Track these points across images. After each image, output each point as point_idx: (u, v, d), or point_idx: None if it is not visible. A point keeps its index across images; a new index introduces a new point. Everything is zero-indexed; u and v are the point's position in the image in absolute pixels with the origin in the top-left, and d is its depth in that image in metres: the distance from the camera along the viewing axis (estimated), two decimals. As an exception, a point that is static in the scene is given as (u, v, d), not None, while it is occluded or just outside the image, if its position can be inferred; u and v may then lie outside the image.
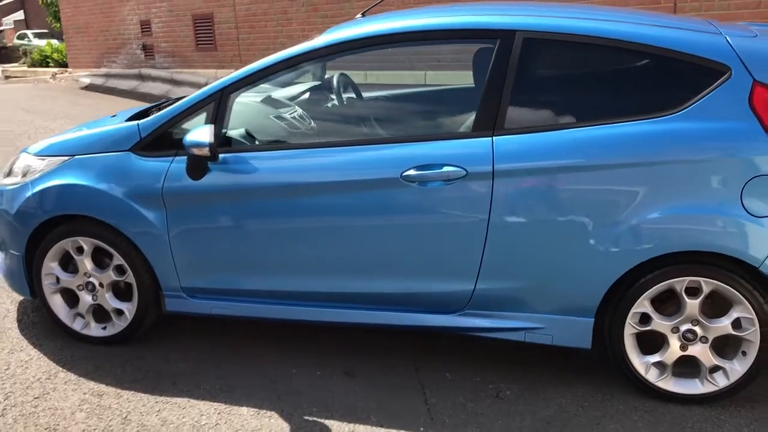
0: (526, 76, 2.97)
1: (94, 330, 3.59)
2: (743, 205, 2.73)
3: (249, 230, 3.22)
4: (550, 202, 2.89)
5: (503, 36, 2.97)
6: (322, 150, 3.14)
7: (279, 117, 3.74)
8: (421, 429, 2.85)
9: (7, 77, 20.73)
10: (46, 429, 2.88)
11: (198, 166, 3.19)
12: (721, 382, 2.94)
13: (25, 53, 24.60)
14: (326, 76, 4.27)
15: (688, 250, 2.80)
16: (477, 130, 2.97)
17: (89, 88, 15.56)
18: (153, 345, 3.58)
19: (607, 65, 2.97)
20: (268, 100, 3.89)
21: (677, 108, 2.80)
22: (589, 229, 2.85)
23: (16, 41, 29.91)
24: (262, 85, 3.41)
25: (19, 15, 36.27)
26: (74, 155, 3.46)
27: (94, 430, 2.87)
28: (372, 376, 3.26)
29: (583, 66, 3.01)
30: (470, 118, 3.04)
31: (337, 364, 3.36)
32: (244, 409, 3.00)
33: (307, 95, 4.21)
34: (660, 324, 2.93)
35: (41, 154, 3.61)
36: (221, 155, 3.17)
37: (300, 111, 3.87)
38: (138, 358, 3.45)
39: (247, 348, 3.53)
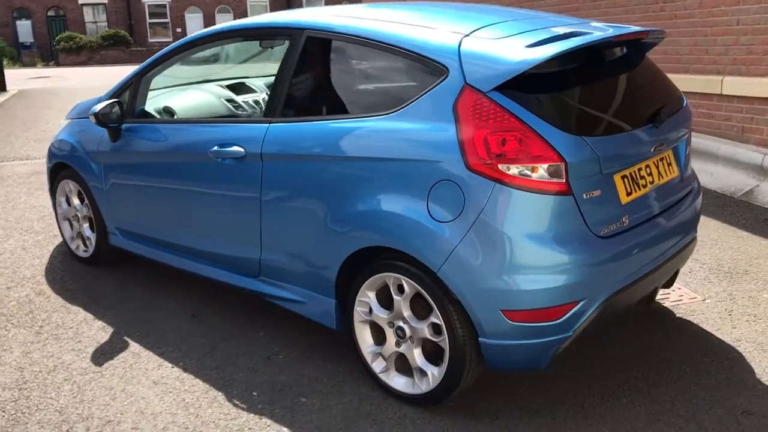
0: (303, 70, 3.25)
1: (81, 251, 4.71)
2: (428, 209, 2.71)
3: (136, 185, 4.03)
4: (294, 185, 3.16)
5: (294, 34, 3.29)
6: (172, 125, 3.80)
7: (173, 98, 4.46)
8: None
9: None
10: None
11: (113, 132, 4.07)
12: (423, 386, 2.91)
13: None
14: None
15: (381, 245, 2.86)
16: (265, 116, 3.35)
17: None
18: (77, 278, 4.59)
19: (356, 63, 3.12)
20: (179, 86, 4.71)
21: (397, 107, 2.85)
22: (319, 215, 3.06)
23: None
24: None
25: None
26: (72, 119, 4.62)
27: None
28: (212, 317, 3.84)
29: (340, 63, 3.19)
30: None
31: (188, 307, 3.99)
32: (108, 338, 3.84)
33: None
34: (378, 316, 3.00)
35: (66, 117, 4.85)
36: (128, 124, 4.01)
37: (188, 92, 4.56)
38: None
39: (131, 288, 4.32)
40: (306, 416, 2.93)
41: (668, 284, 3.34)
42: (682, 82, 6.90)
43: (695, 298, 3.96)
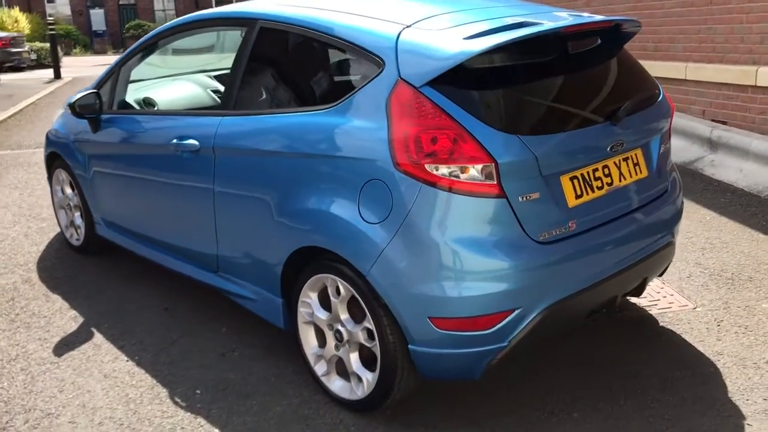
0: (255, 62, 3.16)
1: (74, 240, 4.77)
2: (359, 209, 2.58)
3: (113, 176, 4.03)
4: (241, 179, 3.09)
5: (249, 24, 3.20)
6: (144, 117, 3.78)
7: (159, 89, 4.42)
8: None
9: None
10: None
11: (92, 122, 4.09)
12: (359, 391, 2.80)
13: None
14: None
15: (318, 246, 2.75)
16: (221, 109, 3.29)
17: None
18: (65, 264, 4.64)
19: (304, 55, 3.00)
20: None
21: (337, 101, 2.73)
22: (265, 212, 2.97)
23: None
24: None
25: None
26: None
27: None
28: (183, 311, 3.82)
29: (288, 55, 3.08)
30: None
31: (162, 300, 3.98)
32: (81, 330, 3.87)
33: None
34: (318, 318, 2.90)
35: (64, 105, 4.90)
36: (107, 115, 4.01)
37: (176, 83, 4.50)
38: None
39: (112, 278, 4.33)
40: (241, 418, 2.86)
41: (637, 292, 3.12)
42: (717, 72, 6.52)
43: (686, 305, 3.70)
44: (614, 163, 2.79)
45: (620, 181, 2.80)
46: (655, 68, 7.48)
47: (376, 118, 2.55)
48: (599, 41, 2.96)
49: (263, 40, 3.13)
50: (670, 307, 3.68)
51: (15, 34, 23.17)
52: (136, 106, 4.11)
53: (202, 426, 2.82)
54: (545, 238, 2.52)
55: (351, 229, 2.60)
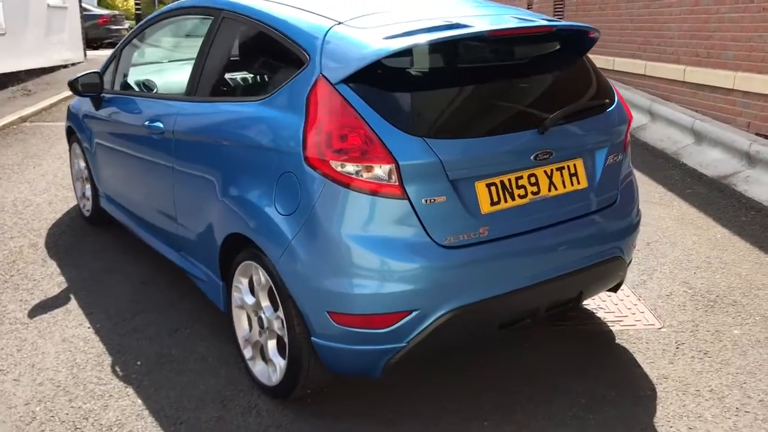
0: (215, 51, 3.26)
1: (85, 211, 5.04)
2: (275, 200, 2.64)
3: (108, 151, 4.24)
4: (190, 164, 3.20)
5: (215, 14, 3.30)
6: (131, 98, 3.95)
7: (160, 72, 4.57)
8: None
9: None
10: None
11: (94, 100, 4.31)
12: (274, 378, 2.86)
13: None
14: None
15: (243, 233, 2.82)
16: (186, 95, 3.40)
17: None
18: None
19: (251, 45, 3.07)
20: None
21: (270, 92, 2.79)
22: (207, 196, 3.07)
23: None
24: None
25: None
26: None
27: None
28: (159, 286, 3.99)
29: (240, 44, 3.15)
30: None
31: (144, 274, 4.16)
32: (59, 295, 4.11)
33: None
34: (246, 303, 2.98)
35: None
36: (107, 95, 4.22)
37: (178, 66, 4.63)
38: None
39: (108, 249, 4.54)
40: (166, 392, 2.98)
41: (573, 305, 3.03)
42: (764, 83, 6.17)
43: (652, 325, 3.56)
44: (544, 172, 2.72)
45: (550, 191, 2.73)
46: (704, 76, 7.16)
47: (297, 113, 2.60)
48: (548, 47, 2.88)
49: (223, 30, 3.22)
50: (635, 325, 3.56)
51: (115, 13, 24.35)
52: (136, 88, 4.29)
53: (128, 395, 2.96)
54: (451, 243, 2.50)
55: (266, 220, 2.66)
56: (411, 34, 2.53)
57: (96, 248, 4.59)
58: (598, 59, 10.50)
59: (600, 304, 3.77)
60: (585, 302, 3.75)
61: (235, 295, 3.04)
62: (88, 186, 4.89)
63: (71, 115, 4.94)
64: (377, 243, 2.44)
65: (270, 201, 2.65)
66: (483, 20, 2.74)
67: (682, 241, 4.75)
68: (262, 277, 2.80)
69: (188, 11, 3.68)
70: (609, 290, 3.28)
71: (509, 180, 2.63)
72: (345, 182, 2.43)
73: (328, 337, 2.56)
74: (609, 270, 3.01)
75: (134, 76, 4.21)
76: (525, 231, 2.67)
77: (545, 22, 2.78)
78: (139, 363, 3.21)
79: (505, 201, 2.61)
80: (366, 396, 2.92)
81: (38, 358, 3.25)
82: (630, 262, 3.21)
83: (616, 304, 3.77)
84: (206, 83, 3.26)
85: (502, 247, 2.60)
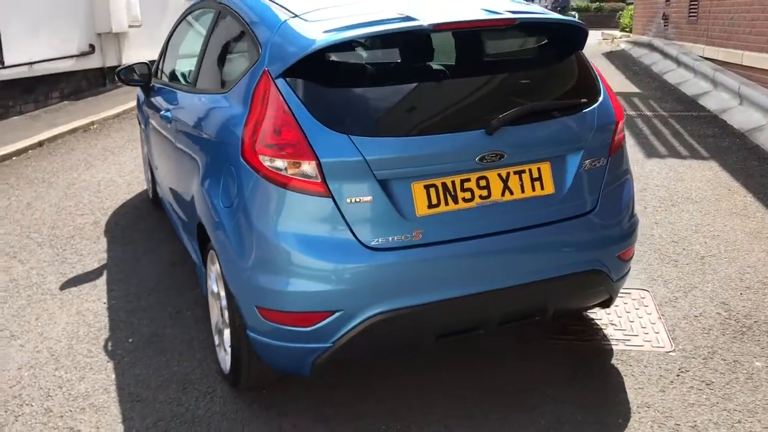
0: (210, 43, 3.36)
1: (151, 193, 5.37)
2: (220, 192, 2.69)
3: (150, 137, 4.49)
4: (181, 151, 3.33)
5: (216, 8, 3.40)
6: (165, 88, 4.14)
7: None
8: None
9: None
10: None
11: (144, 89, 4.58)
12: (226, 367, 2.91)
13: (620, 17, 25.42)
14: None
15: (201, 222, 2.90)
16: (188, 86, 3.54)
17: (612, 54, 16.18)
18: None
19: (231, 37, 3.12)
20: None
21: (231, 85, 2.84)
22: (188, 185, 3.18)
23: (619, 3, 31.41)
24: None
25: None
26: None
27: None
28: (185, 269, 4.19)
29: (225, 37, 3.21)
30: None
31: (177, 255, 4.37)
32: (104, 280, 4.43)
33: None
34: (212, 291, 3.05)
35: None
36: (155, 84, 4.47)
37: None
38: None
39: (155, 230, 4.77)
40: (141, 370, 3.13)
41: (540, 319, 2.81)
42: None
43: (661, 347, 3.24)
44: (498, 175, 2.55)
45: (504, 195, 2.56)
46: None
47: (245, 106, 2.62)
48: (524, 41, 2.69)
49: (218, 23, 3.31)
50: (642, 346, 3.25)
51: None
52: (167, 78, 4.48)
53: (105, 370, 3.14)
54: (379, 244, 2.42)
55: (212, 211, 2.72)
56: (352, 28, 2.46)
57: (148, 228, 4.88)
58: (724, 53, 9.62)
59: (613, 319, 3.48)
60: (595, 317, 3.49)
61: (208, 282, 3.12)
62: (150, 169, 5.20)
63: (138, 103, 5.28)
64: (301, 241, 2.41)
65: (217, 193, 2.70)
66: (440, 14, 2.60)
67: (744, 257, 4.26)
68: (217, 267, 2.86)
69: (203, 5, 3.82)
70: (599, 306, 3.03)
71: (453, 182, 2.49)
72: (272, 177, 2.42)
73: (259, 331, 2.57)
74: (585, 284, 2.78)
75: (168, 66, 4.42)
76: (471, 236, 2.52)
77: (510, 15, 2.59)
78: (130, 340, 3.39)
79: (446, 204, 2.48)
80: (318, 392, 2.90)
81: (48, 328, 3.52)
82: (623, 276, 2.94)
83: (632, 321, 3.47)
84: (200, 75, 3.37)
85: (439, 252, 2.47)
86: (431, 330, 2.60)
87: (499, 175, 2.55)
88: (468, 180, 2.51)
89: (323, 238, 2.40)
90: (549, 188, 2.63)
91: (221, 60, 3.27)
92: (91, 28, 10.22)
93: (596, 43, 19.34)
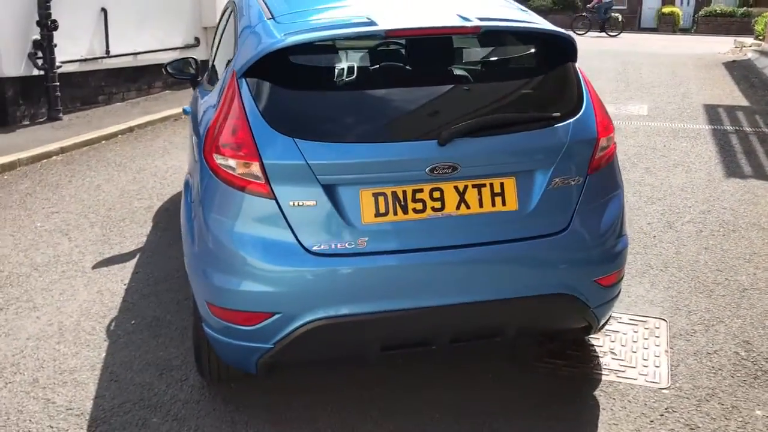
0: (224, 38, 3.46)
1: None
2: (193, 186, 2.78)
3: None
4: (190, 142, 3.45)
5: (231, 5, 3.49)
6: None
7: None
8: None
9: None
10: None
11: (191, 83, 4.77)
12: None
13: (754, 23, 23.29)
14: None
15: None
16: (203, 80, 3.67)
17: (733, 64, 14.99)
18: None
19: (229, 32, 3.21)
20: None
21: (218, 83, 2.92)
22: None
23: None
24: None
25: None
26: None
27: None
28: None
29: (228, 33, 3.30)
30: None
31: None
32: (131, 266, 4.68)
33: None
34: (196, 282, 3.15)
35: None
36: (201, 78, 4.67)
37: None
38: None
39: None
40: (128, 352, 3.28)
41: (500, 340, 2.68)
42: None
43: (656, 383, 3.02)
44: (454, 188, 2.46)
45: (459, 208, 2.47)
46: None
47: (217, 104, 2.69)
48: (488, 50, 2.59)
49: (229, 21, 3.40)
50: (635, 379, 3.04)
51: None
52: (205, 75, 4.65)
53: (99, 348, 3.31)
54: (321, 250, 2.41)
55: (186, 204, 2.81)
56: (310, 31, 2.46)
57: (192, 217, 5.09)
58: None
59: (615, 347, 3.28)
60: (597, 342, 3.29)
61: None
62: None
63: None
64: (245, 240, 2.44)
65: (189, 188, 2.78)
66: (405, 19, 2.54)
67: (793, 293, 3.87)
68: (192, 259, 2.95)
69: (229, 3, 3.93)
70: (580, 333, 2.86)
71: (404, 192, 2.43)
72: (223, 176, 2.46)
73: (210, 326, 2.62)
74: (552, 308, 2.63)
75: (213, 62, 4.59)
76: (421, 248, 2.45)
77: (479, 23, 2.48)
78: (133, 322, 3.56)
79: (395, 214, 2.43)
80: (281, 394, 2.92)
81: (67, 303, 3.76)
82: (606, 303, 2.75)
83: (635, 352, 3.25)
84: (209, 71, 3.48)
85: (384, 262, 2.43)
86: (375, 340, 2.55)
87: (456, 187, 2.46)
88: (420, 191, 2.44)
89: (266, 240, 2.42)
90: (512, 204, 2.51)
91: (221, 57, 3.37)
92: (197, 22, 10.75)
93: (724, 52, 18.05)
